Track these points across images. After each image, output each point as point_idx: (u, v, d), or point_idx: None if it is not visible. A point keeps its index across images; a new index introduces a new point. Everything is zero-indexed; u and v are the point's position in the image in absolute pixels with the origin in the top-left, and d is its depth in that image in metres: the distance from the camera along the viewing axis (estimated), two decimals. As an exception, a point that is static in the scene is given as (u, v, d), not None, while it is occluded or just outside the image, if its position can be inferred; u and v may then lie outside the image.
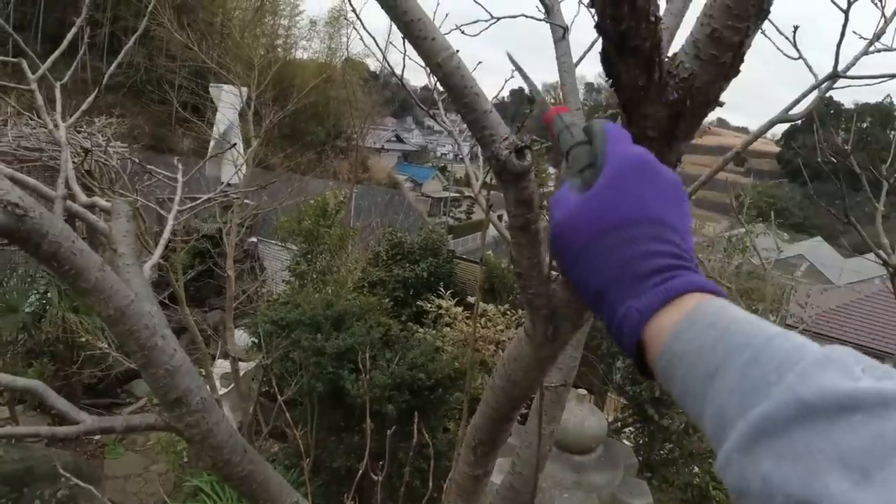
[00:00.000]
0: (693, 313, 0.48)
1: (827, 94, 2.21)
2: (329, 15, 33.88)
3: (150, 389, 1.21)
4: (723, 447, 0.40)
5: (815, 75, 2.05)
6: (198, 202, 2.20)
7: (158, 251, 1.63)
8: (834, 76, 2.01)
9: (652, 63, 0.78)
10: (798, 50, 2.17)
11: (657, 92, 0.82)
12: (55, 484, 6.02)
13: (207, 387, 1.25)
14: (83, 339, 6.70)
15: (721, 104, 0.89)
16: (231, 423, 1.32)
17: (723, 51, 0.79)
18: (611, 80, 0.82)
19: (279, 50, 29.20)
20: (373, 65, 32.81)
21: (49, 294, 6.99)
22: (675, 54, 0.84)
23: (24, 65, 1.43)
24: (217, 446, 1.25)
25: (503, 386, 1.29)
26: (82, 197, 1.50)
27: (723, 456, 0.39)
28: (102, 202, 1.46)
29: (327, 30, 34.13)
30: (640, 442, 6.22)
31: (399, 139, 55.76)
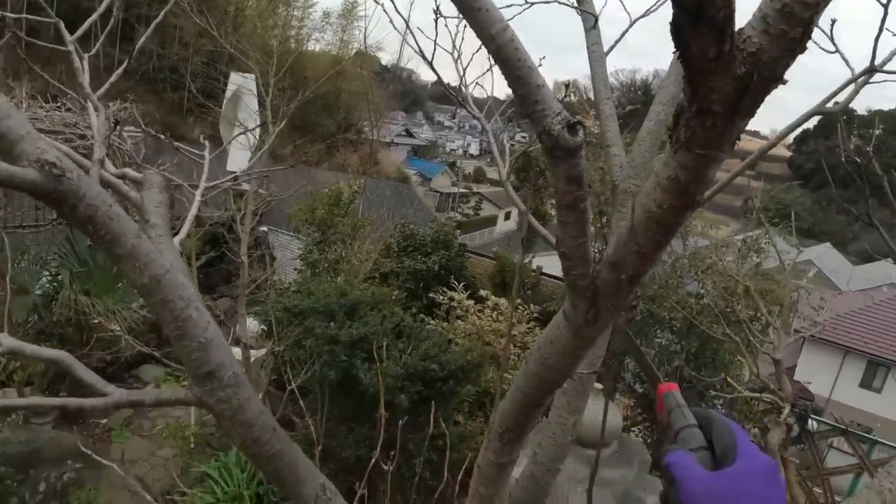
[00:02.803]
0: None
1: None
2: (343, 7, 33.86)
3: (182, 361, 1.19)
4: None
5: (851, 69, 2.01)
6: (226, 179, 2.19)
7: (186, 226, 1.61)
8: (871, 70, 1.98)
9: (724, 34, 0.76)
10: (835, 44, 2.13)
11: (725, 65, 0.79)
12: (61, 466, 6.04)
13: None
14: (96, 321, 6.70)
15: (784, 82, 0.86)
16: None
17: (793, 26, 0.77)
18: (679, 52, 0.80)
19: (291, 41, 29.21)
20: (384, 58, 32.78)
21: (60, 276, 6.97)
22: (741, 29, 0.82)
23: (62, 26, 1.41)
24: (247, 423, 1.23)
25: (537, 370, 1.27)
26: (111, 168, 1.49)
27: None
28: (133, 173, 1.44)
29: (340, 22, 34.11)
30: (649, 441, 6.20)
31: (409, 133, 55.72)
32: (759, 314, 5.81)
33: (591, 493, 1.03)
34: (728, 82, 0.79)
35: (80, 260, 7.10)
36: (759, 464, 0.72)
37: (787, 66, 0.82)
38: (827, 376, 17.74)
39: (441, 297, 7.23)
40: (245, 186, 8.94)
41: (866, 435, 9.08)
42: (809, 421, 8.23)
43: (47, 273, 7.14)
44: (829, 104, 2.00)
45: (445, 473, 2.67)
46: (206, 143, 1.94)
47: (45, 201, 1.00)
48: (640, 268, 1.03)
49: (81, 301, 6.59)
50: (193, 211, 1.72)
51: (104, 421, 7.39)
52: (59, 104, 7.36)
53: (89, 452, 1.57)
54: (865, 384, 19.61)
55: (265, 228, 11.61)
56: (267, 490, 4.95)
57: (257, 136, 5.81)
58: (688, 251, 7.31)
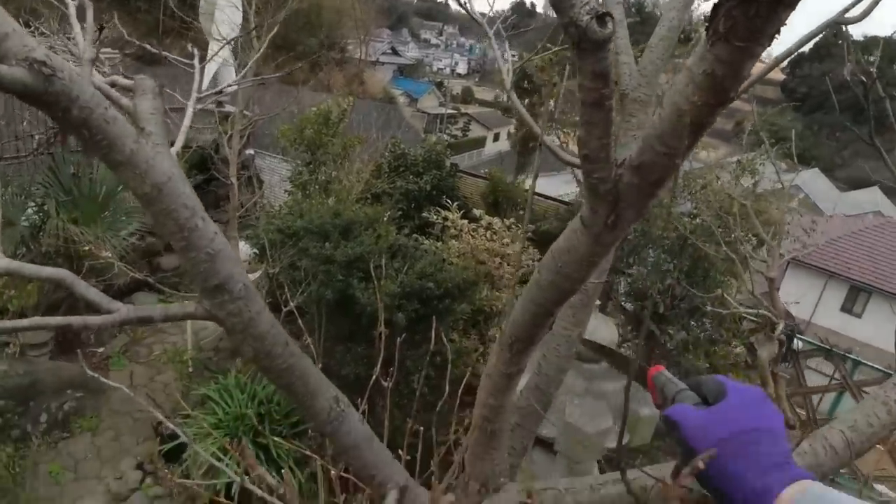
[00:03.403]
0: (807, 490, 0.70)
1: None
2: (322, -86, 31.86)
3: (189, 275, 1.16)
4: None
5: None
6: (219, 88, 2.09)
7: (181, 138, 1.54)
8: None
9: None
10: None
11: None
12: (61, 396, 6.12)
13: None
14: (86, 248, 6.62)
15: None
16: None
17: None
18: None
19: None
20: (367, -29, 31.25)
21: (46, 206, 6.84)
22: None
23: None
24: (259, 336, 1.21)
25: (552, 280, 1.25)
26: (100, 77, 1.40)
27: None
28: (123, 80, 1.35)
29: (320, -70, 32.19)
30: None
31: (394, 52, 53.92)
32: (751, 235, 5.85)
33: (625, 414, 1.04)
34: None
35: (64, 189, 6.95)
36: (747, 394, 0.82)
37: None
38: (808, 300, 18.15)
39: (435, 217, 7.20)
40: (230, 108, 8.67)
41: (851, 356, 9.37)
42: (795, 340, 8.47)
43: (32, 204, 6.99)
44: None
45: (446, 387, 2.71)
46: (195, 51, 1.83)
47: (37, 104, 0.93)
48: (666, 170, 0.99)
49: (69, 230, 6.48)
50: (187, 122, 1.64)
51: (101, 350, 7.44)
52: (31, 28, 6.98)
53: (96, 376, 1.56)
54: (846, 309, 20.14)
55: (251, 151, 11.38)
56: (269, 409, 5.06)
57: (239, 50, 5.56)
58: (681, 172, 7.26)
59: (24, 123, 8.45)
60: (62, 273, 1.25)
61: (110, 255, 6.51)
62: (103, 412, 6.42)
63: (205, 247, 1.10)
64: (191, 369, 6.17)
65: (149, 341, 7.74)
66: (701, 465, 0.58)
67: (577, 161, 1.27)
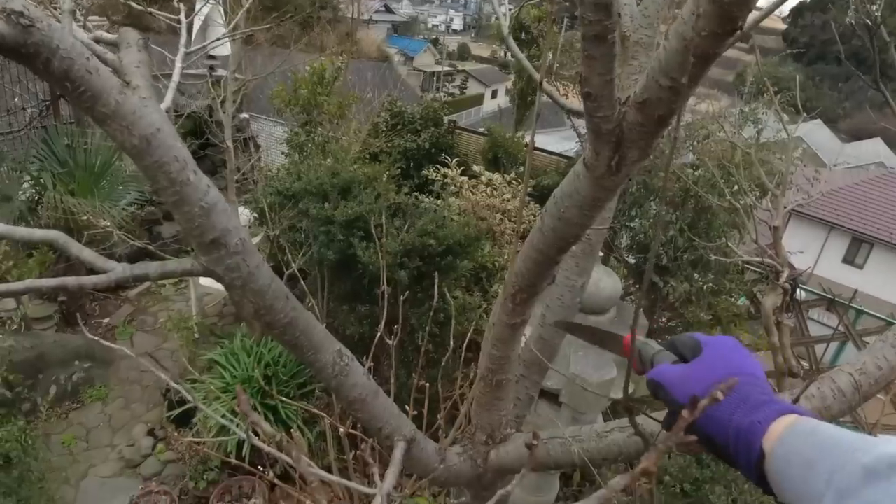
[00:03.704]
0: (794, 424, 0.68)
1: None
2: None
3: (184, 231, 1.13)
4: None
5: None
6: (209, 42, 2.03)
7: (170, 94, 1.49)
8: None
9: None
10: None
11: None
12: (69, 367, 6.18)
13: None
14: (84, 218, 6.60)
15: None
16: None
17: None
18: None
19: None
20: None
21: (42, 179, 6.80)
22: None
23: None
24: (259, 291, 1.20)
25: (554, 226, 1.23)
26: (82, 33, 1.35)
27: None
28: (107, 35, 1.31)
29: None
30: (642, 310, 6.37)
31: (388, 9, 52.76)
32: (753, 185, 5.80)
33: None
34: None
35: (59, 161, 6.91)
36: (722, 344, 0.84)
37: None
38: (810, 253, 18.13)
39: (434, 174, 7.14)
40: (221, 72, 8.52)
41: (854, 305, 9.40)
42: (797, 291, 8.47)
43: (28, 178, 6.94)
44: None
45: (451, 343, 2.71)
46: (182, 5, 1.77)
47: (16, 58, 0.89)
48: (671, 106, 0.96)
49: (67, 202, 6.45)
50: (175, 78, 1.59)
51: (106, 321, 7.49)
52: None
53: (108, 344, 1.55)
54: (848, 260, 20.13)
55: (246, 115, 11.25)
56: (275, 371, 5.11)
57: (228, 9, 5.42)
58: (683, 121, 7.15)
59: (16, 98, 8.34)
60: (53, 234, 1.23)
61: (109, 224, 6.50)
62: (112, 381, 6.50)
63: (198, 200, 1.07)
64: (196, 335, 6.21)
65: (154, 310, 7.78)
66: (686, 414, 0.56)
67: (577, 108, 1.23)
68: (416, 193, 5.82)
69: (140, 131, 1.00)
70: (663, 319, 6.68)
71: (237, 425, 3.70)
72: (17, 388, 5.40)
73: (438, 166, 7.31)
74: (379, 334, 2.44)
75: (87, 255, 1.22)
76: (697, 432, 0.78)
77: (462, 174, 7.10)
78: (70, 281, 1.21)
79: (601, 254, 3.06)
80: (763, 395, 0.77)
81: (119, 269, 1.18)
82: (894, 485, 0.49)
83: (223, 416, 4.64)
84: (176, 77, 1.58)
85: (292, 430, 4.33)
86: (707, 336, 0.88)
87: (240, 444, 4.72)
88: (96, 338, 1.71)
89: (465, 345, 2.91)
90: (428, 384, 3.01)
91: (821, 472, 0.57)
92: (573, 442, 1.59)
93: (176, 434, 5.47)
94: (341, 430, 3.42)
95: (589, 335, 1.33)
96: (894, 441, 0.54)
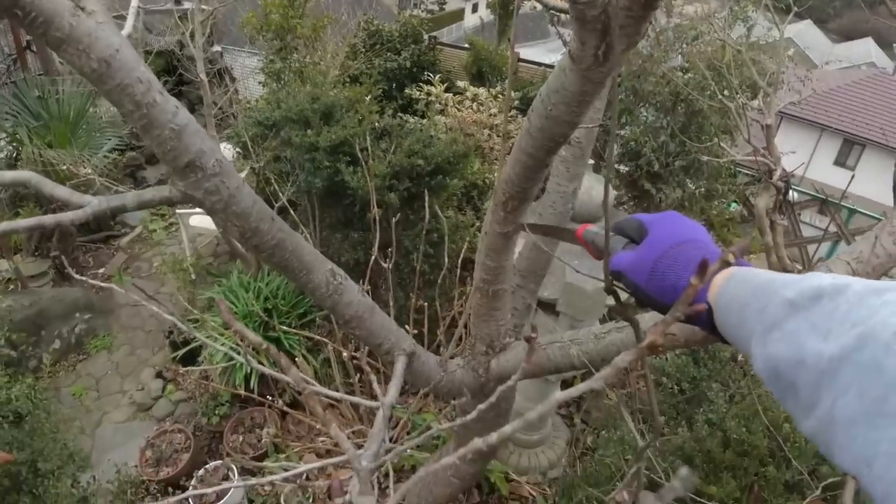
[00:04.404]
0: (732, 274, 0.71)
1: None
2: None
3: (158, 156, 1.09)
4: (752, 351, 0.59)
5: None
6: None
7: (130, 19, 1.40)
8: None
9: None
10: None
11: None
12: (70, 320, 6.19)
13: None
14: (63, 168, 6.48)
15: None
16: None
17: None
18: None
19: None
20: None
21: (18, 135, 6.62)
22: None
23: None
24: (242, 213, 1.17)
25: (542, 125, 1.19)
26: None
27: (753, 355, 0.58)
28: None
29: None
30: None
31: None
32: (745, 87, 5.67)
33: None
34: None
35: (33, 114, 6.73)
36: (665, 219, 0.87)
37: None
38: (802, 155, 18.01)
39: (418, 93, 6.96)
40: (187, 4, 8.13)
41: (846, 205, 9.42)
42: (790, 192, 8.46)
43: (4, 135, 6.76)
44: None
45: (445, 261, 2.71)
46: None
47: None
48: (660, -18, 0.90)
49: (46, 155, 6.30)
50: (134, 2, 1.50)
51: (101, 271, 7.46)
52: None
53: (112, 286, 1.53)
54: (840, 162, 20.07)
55: (218, 48, 10.86)
56: (275, 304, 5.14)
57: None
58: (671, 24, 6.92)
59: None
60: (25, 175, 1.18)
61: (90, 172, 6.37)
62: (115, 329, 6.55)
63: (168, 122, 1.02)
64: (193, 276, 6.21)
65: (147, 256, 7.76)
66: (695, 280, 0.56)
67: (559, 4, 1.16)
68: (400, 114, 5.68)
69: (98, 53, 0.94)
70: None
71: (241, 355, 3.75)
72: (21, 346, 5.44)
73: (422, 84, 7.10)
74: (373, 258, 2.44)
75: (61, 192, 1.17)
76: (651, 302, 0.84)
77: (446, 91, 6.91)
78: (47, 219, 1.17)
79: (592, 161, 3.02)
80: (708, 255, 0.78)
81: (95, 203, 1.14)
82: (813, 313, 0.51)
83: (230, 350, 4.71)
84: (135, 1, 1.49)
85: (297, 359, 4.42)
86: (649, 215, 0.91)
87: (247, 376, 4.82)
88: (99, 283, 1.69)
89: (459, 262, 2.93)
90: (426, 304, 3.04)
91: (753, 312, 0.60)
92: (572, 345, 1.60)
93: (184, 372, 5.57)
94: (344, 354, 3.47)
95: (545, 231, 1.35)
96: (818, 275, 0.55)
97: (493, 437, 0.49)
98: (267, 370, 1.57)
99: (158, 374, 5.93)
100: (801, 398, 0.50)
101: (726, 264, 0.57)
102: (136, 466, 4.65)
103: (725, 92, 5.48)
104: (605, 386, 3.81)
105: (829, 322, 0.49)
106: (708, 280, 0.70)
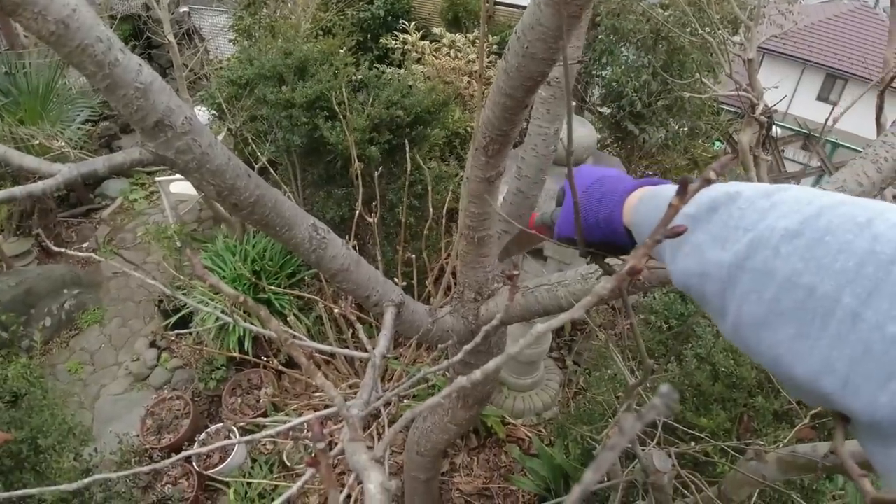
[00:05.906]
0: (641, 195, 0.75)
1: None
2: None
3: (126, 118, 1.06)
4: (668, 268, 0.60)
5: None
6: None
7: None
8: None
9: None
10: None
11: None
12: (59, 297, 6.14)
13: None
14: (36, 143, 6.33)
15: None
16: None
17: None
18: None
19: None
20: None
21: (-12, 112, 6.45)
22: None
23: None
24: (217, 171, 1.14)
25: (519, 64, 1.16)
26: None
27: (669, 272, 0.60)
28: None
29: None
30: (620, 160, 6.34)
31: None
32: (726, 22, 5.58)
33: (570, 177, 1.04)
34: None
35: (2, 91, 6.53)
36: (579, 172, 0.91)
37: None
38: (784, 91, 17.87)
39: (394, 43, 6.80)
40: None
41: (829, 139, 9.40)
42: (773, 127, 8.43)
43: (-29, 111, 6.56)
44: None
45: (431, 211, 2.70)
46: None
47: None
48: None
49: (18, 132, 6.14)
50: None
51: (85, 245, 7.38)
52: None
53: (91, 256, 1.51)
54: (822, 97, 19.92)
55: (185, 8, 10.52)
56: (262, 266, 5.13)
57: None
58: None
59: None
60: (-12, 145, 1.15)
61: (64, 144, 6.22)
62: (105, 302, 6.52)
63: (132, 81, 0.99)
64: (178, 244, 6.16)
65: (130, 226, 7.67)
66: (676, 202, 0.56)
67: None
68: (376, 65, 5.55)
69: (54, 15, 0.90)
70: (640, 169, 6.69)
71: (228, 316, 3.76)
72: (12, 326, 5.41)
73: (397, 34, 6.93)
74: (357, 213, 2.42)
75: (29, 161, 1.14)
76: (609, 249, 0.88)
77: (422, 39, 6.75)
78: (17, 190, 1.13)
79: (574, 103, 2.97)
80: (619, 183, 0.83)
81: (65, 171, 1.11)
82: (712, 224, 0.53)
83: (221, 313, 4.71)
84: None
85: (288, 319, 4.44)
86: (566, 182, 0.94)
87: (240, 339, 4.84)
88: (88, 254, 1.67)
89: (444, 213, 2.92)
90: (414, 256, 3.03)
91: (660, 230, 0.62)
92: (560, 287, 1.61)
93: (177, 339, 5.58)
94: (335, 310, 3.48)
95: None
96: (714, 185, 0.56)
97: (477, 374, 0.49)
98: (255, 328, 1.57)
99: (152, 344, 5.94)
100: (713, 307, 0.53)
101: (707, 182, 0.56)
102: (137, 436, 4.71)
103: (707, 28, 5.40)
104: (594, 327, 3.86)
105: (724, 230, 0.51)
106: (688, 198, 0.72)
